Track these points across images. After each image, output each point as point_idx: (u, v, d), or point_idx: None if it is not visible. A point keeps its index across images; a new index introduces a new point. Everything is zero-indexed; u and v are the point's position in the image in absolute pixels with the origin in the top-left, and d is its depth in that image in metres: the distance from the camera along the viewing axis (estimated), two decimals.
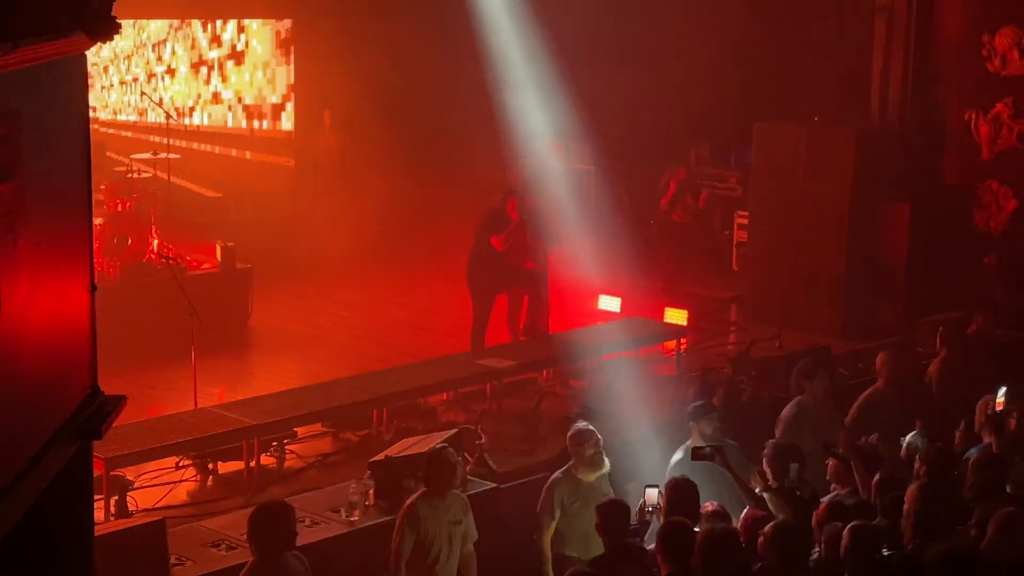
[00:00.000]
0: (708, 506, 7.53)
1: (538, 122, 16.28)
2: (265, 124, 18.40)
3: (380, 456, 8.97)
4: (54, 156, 4.44)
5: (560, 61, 15.90)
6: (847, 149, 14.70)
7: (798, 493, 7.74)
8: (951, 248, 14.97)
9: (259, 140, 18.48)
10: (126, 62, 17.16)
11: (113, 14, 4.60)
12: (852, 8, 16.26)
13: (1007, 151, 14.85)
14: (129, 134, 16.97)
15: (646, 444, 9.62)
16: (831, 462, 8.16)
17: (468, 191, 17.72)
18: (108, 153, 16.04)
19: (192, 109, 17.94)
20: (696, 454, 7.89)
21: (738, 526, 7.25)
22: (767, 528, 6.76)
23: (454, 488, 8.01)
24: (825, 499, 7.68)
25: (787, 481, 7.86)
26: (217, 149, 18.10)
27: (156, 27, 17.47)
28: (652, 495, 7.59)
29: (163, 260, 13.24)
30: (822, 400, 9.60)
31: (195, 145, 17.72)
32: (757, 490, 7.84)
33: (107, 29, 4.58)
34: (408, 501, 7.85)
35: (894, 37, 15.21)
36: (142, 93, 16.74)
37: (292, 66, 18.42)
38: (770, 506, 7.70)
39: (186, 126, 17.48)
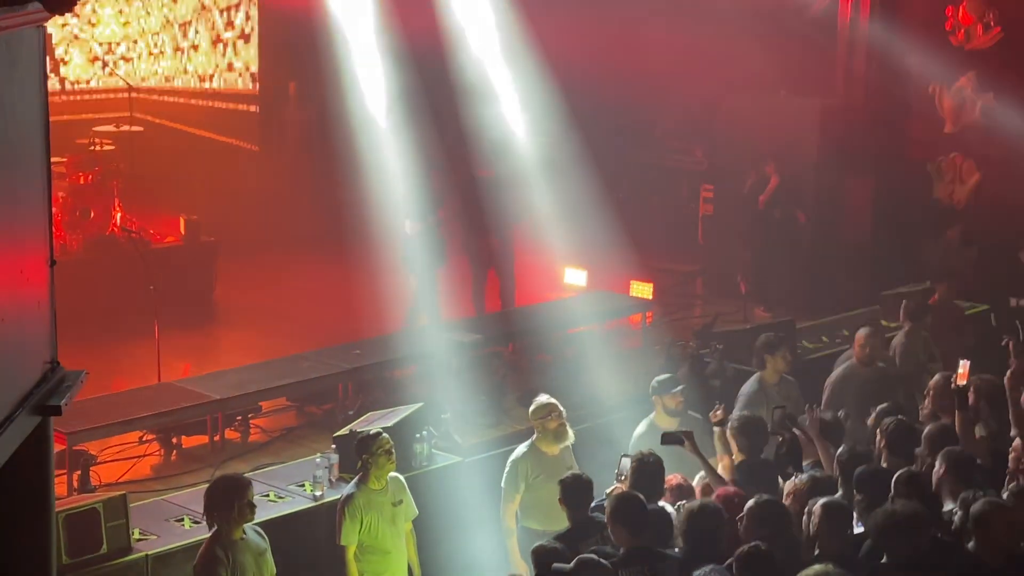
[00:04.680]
0: (672, 480, 7.58)
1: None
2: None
3: (344, 430, 8.98)
4: (12, 129, 4.40)
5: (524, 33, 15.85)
6: (811, 123, 14.73)
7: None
8: (914, 221, 15.04)
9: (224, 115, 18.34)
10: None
11: None
12: None
13: (970, 125, 14.92)
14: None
15: None
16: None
17: (436, 163, 17.62)
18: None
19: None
20: (666, 439, 7.89)
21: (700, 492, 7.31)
22: (748, 505, 6.73)
23: (393, 471, 7.99)
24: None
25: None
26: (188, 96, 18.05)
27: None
28: (626, 465, 7.61)
29: (126, 233, 13.17)
30: (783, 375, 9.64)
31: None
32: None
33: (65, 0, 4.54)
34: (345, 492, 7.83)
35: (859, 10, 15.24)
36: (103, 64, 16.58)
37: (257, 36, 18.29)
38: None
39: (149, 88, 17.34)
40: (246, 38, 18.08)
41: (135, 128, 15.16)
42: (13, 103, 4.41)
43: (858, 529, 6.81)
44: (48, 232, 4.84)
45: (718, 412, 8.33)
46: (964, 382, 8.28)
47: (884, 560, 6.37)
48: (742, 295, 14.47)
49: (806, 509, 6.71)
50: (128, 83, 15.46)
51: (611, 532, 6.77)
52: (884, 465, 7.56)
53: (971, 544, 6.51)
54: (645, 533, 6.65)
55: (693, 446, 7.83)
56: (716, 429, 8.26)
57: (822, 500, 6.67)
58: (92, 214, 13.70)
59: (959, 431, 8.03)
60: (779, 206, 14.76)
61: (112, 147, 14.89)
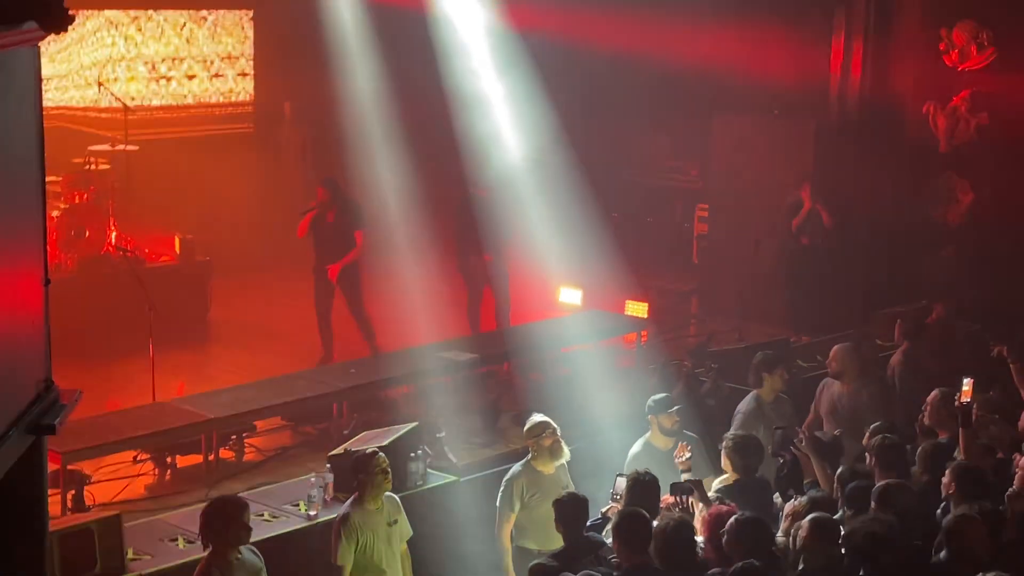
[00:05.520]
0: (668, 499, 7.56)
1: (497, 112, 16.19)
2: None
3: (339, 449, 8.96)
4: (6, 148, 4.39)
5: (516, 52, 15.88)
6: (806, 142, 14.75)
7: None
8: (909, 241, 15.04)
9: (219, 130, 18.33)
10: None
11: (66, 5, 4.56)
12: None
13: (965, 144, 14.93)
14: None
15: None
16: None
17: (431, 182, 17.64)
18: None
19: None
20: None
21: (701, 520, 7.28)
22: (729, 523, 6.75)
23: (389, 490, 7.96)
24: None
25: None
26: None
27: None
28: (621, 484, 7.60)
29: (121, 253, 13.16)
30: (779, 393, 9.63)
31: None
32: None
33: (60, 20, 4.54)
34: (341, 512, 7.81)
35: (853, 30, 15.27)
36: (99, 83, 16.56)
37: (252, 56, 18.29)
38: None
39: (143, 108, 17.29)
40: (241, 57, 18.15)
41: (130, 147, 15.15)
42: (8, 122, 4.41)
43: None
44: (43, 251, 4.83)
45: (686, 457, 8.29)
46: (968, 399, 8.27)
47: (862, 574, 6.39)
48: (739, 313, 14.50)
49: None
50: (124, 103, 15.43)
51: (614, 548, 6.75)
52: (880, 482, 7.56)
53: (943, 554, 6.55)
54: (648, 550, 6.64)
55: (702, 494, 7.80)
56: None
57: (811, 515, 6.69)
58: (87, 233, 13.70)
59: (963, 448, 8.03)
60: (809, 232, 14.49)
61: (107, 166, 14.89)
